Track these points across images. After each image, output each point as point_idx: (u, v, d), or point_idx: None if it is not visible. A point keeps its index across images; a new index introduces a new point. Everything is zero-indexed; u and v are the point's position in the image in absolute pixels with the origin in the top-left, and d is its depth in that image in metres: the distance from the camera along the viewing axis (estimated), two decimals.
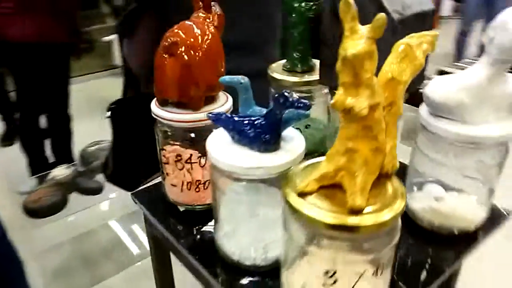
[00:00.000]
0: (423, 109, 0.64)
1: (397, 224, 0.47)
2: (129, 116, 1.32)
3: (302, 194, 0.47)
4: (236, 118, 0.56)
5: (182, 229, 0.72)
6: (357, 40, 0.38)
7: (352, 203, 0.44)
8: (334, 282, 0.47)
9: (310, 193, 0.47)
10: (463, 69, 1.81)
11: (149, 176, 1.58)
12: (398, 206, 0.45)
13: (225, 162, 0.54)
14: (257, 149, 0.55)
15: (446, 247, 0.66)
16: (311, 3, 0.76)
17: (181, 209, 0.75)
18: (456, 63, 3.49)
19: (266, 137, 0.53)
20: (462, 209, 0.68)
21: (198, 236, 0.70)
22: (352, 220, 0.43)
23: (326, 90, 0.78)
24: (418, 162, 0.69)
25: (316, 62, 0.79)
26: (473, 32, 3.80)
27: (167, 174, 0.73)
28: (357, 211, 0.44)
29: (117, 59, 4.02)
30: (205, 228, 0.71)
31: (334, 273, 0.46)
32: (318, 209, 0.45)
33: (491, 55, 0.57)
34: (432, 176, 0.69)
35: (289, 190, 0.48)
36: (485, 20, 3.69)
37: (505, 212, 0.72)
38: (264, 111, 0.56)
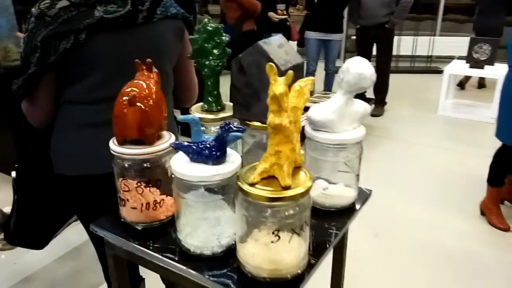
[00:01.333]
0: (307, 126, 0.98)
1: (309, 195, 0.77)
2: (34, 175, 1.39)
3: (251, 184, 0.74)
4: (192, 144, 0.81)
5: (144, 241, 0.91)
6: (279, 85, 0.68)
7: (283, 183, 0.73)
8: (278, 238, 0.74)
9: (256, 183, 0.75)
10: (315, 102, 2.36)
11: (58, 229, 1.64)
12: (308, 183, 0.75)
13: (190, 175, 0.79)
14: (211, 163, 0.80)
15: (334, 217, 0.99)
16: (218, 61, 1.06)
17: (139, 227, 0.95)
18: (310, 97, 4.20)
19: (217, 154, 0.79)
20: (340, 193, 1.02)
21: (161, 243, 0.90)
22: (285, 193, 0.72)
23: (238, 121, 1.07)
24: (308, 163, 1.01)
25: (226, 102, 1.09)
26: (316, 71, 4.60)
27: (127, 200, 0.92)
28: (287, 188, 0.73)
29: None
30: None
31: (278, 231, 0.74)
32: (263, 191, 0.73)
33: (343, 89, 0.93)
34: (319, 174, 1.02)
35: (241, 183, 0.75)
36: (324, 60, 4.56)
37: (367, 191, 1.09)
38: (210, 138, 0.82)
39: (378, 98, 4.65)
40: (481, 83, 5.55)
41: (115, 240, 0.93)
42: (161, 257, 0.87)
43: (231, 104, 1.02)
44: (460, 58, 4.72)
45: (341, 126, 0.95)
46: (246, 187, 0.74)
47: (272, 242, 0.75)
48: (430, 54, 6.58)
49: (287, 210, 0.74)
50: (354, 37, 6.90)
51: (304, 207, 0.76)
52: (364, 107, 0.97)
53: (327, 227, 0.96)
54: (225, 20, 3.97)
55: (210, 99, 1.09)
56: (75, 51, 1.12)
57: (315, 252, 0.86)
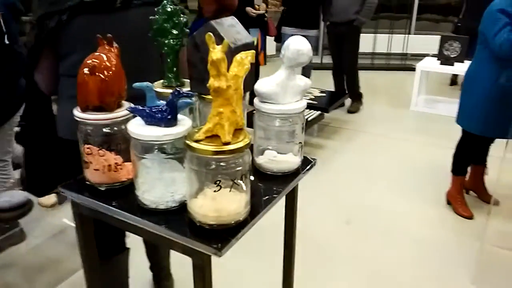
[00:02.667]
0: (256, 99, 1.11)
1: (248, 150, 0.90)
2: (38, 134, 1.57)
3: (197, 141, 0.87)
4: (146, 108, 0.93)
5: (107, 200, 1.03)
6: (216, 52, 0.81)
7: (224, 139, 0.86)
8: (220, 188, 0.87)
9: (201, 140, 0.87)
10: None
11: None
12: (247, 140, 0.88)
13: (144, 135, 0.91)
14: (164, 126, 0.93)
15: (280, 180, 1.12)
16: (177, 40, 1.18)
17: (102, 188, 1.06)
18: None
19: (169, 117, 0.92)
20: (286, 160, 1.15)
21: (122, 201, 1.02)
22: (225, 148, 0.85)
23: (196, 96, 1.19)
24: (258, 132, 1.15)
25: (184, 79, 1.21)
26: None
27: (90, 163, 1.03)
28: (227, 143, 0.86)
29: None
30: None
31: (219, 181, 0.87)
32: (207, 146, 0.85)
33: (285, 64, 1.07)
34: (267, 141, 1.15)
35: (189, 141, 0.87)
36: None
37: (311, 159, 1.23)
38: (164, 103, 0.94)
39: (351, 95, 4.82)
40: (453, 80, 5.79)
41: (81, 199, 1.05)
42: (121, 211, 0.98)
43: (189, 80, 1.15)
44: (434, 56, 4.92)
45: (285, 98, 1.09)
46: (192, 143, 0.86)
47: (214, 191, 0.87)
48: (405, 52, 6.81)
49: (227, 162, 0.87)
50: None
51: (243, 161, 0.89)
52: (304, 82, 1.11)
53: (274, 187, 1.09)
54: (202, 14, 4.09)
55: (170, 75, 1.20)
56: (60, 30, 1.31)
57: (261, 204, 0.99)
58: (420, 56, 5.56)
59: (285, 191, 1.09)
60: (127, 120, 1.01)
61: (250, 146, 0.90)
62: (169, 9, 1.16)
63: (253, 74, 1.16)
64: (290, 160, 1.15)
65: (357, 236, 2.62)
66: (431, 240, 2.58)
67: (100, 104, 0.99)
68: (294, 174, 1.15)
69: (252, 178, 0.97)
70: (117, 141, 1.03)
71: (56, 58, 1.39)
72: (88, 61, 0.97)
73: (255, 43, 4.53)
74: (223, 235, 0.89)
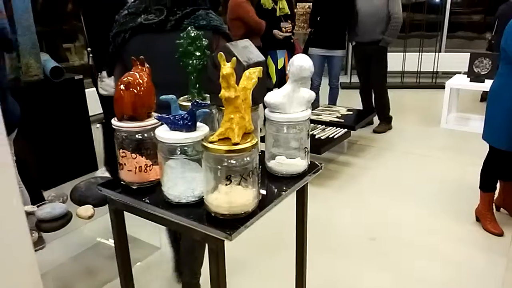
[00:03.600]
0: (266, 109, 1.29)
1: (255, 150, 1.08)
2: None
3: (211, 142, 1.06)
4: (171, 117, 1.13)
5: (138, 196, 1.22)
6: (226, 67, 1.00)
7: (234, 141, 1.04)
8: (230, 182, 1.05)
9: (215, 142, 1.06)
10: (319, 115, 2.81)
11: None
12: (253, 141, 1.06)
13: (168, 138, 1.11)
14: (185, 131, 1.12)
15: (290, 180, 1.29)
16: (199, 61, 1.39)
17: (134, 187, 1.26)
18: (313, 111, 4.52)
19: (189, 124, 1.11)
20: (294, 163, 1.32)
21: (150, 197, 1.22)
22: (235, 147, 1.03)
23: (215, 107, 1.39)
24: (268, 138, 1.32)
25: (206, 95, 1.41)
26: (321, 85, 4.92)
27: (124, 164, 1.24)
28: (236, 144, 1.04)
29: None
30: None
31: (230, 176, 1.05)
32: (220, 146, 1.04)
33: (290, 78, 1.25)
34: (276, 146, 1.32)
35: (205, 143, 1.06)
36: (328, 75, 4.88)
37: (318, 164, 1.39)
38: (185, 112, 1.14)
39: (380, 116, 4.90)
40: (484, 97, 5.79)
41: (116, 196, 1.25)
42: (149, 205, 1.18)
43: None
44: (465, 73, 4.98)
45: (291, 108, 1.27)
46: (208, 144, 1.05)
47: (226, 185, 1.05)
48: (435, 70, 6.85)
49: (237, 160, 1.05)
50: None
51: (250, 160, 1.07)
52: (309, 94, 1.29)
53: (283, 187, 1.26)
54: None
55: (193, 90, 1.41)
56: (124, 45, 1.67)
57: (268, 200, 1.17)
58: (451, 74, 5.61)
59: (292, 191, 1.26)
60: (156, 127, 1.21)
61: (263, 152, 1.08)
62: (192, 34, 1.38)
63: (265, 88, 1.35)
64: (297, 164, 1.32)
65: (382, 252, 2.67)
66: (459, 257, 2.60)
67: (133, 114, 1.20)
68: (301, 176, 1.32)
69: (259, 175, 1.14)
70: (147, 146, 1.23)
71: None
72: (123, 79, 1.19)
73: (282, 63, 4.74)
74: (234, 223, 1.07)
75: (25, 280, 0.77)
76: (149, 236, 2.64)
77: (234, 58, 1.02)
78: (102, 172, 2.52)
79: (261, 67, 1.14)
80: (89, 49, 3.26)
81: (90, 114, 3.73)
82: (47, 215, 2.10)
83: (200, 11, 1.70)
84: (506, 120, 2.65)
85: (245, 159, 1.05)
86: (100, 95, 3.21)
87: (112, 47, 1.72)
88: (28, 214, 2.17)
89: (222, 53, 1.02)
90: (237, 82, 1.07)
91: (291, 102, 1.26)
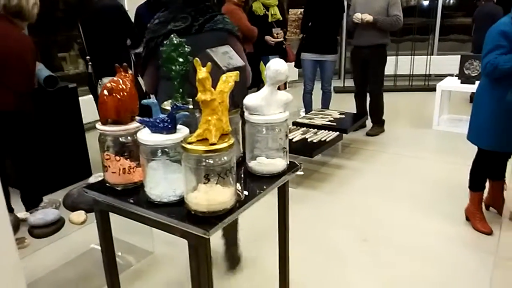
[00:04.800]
0: (246, 112, 1.35)
1: (232, 149, 1.13)
2: None
3: (190, 143, 1.11)
4: (152, 120, 1.18)
5: (122, 197, 1.27)
6: (202, 72, 1.06)
7: (211, 141, 1.10)
8: (208, 181, 1.10)
9: (193, 143, 1.11)
10: (311, 119, 2.95)
11: None
12: (230, 141, 1.12)
13: (150, 140, 1.16)
14: (165, 133, 1.17)
15: (270, 179, 1.34)
16: (182, 66, 1.45)
17: (119, 188, 1.31)
18: (305, 115, 4.57)
19: (169, 126, 1.17)
20: (274, 163, 1.38)
21: (134, 198, 1.27)
22: (212, 147, 1.08)
23: (197, 111, 1.44)
24: (248, 140, 1.38)
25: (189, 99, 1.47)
26: (313, 89, 4.98)
27: (108, 167, 1.29)
28: (213, 144, 1.09)
29: None
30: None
31: (208, 175, 1.10)
32: (198, 146, 1.09)
33: (267, 82, 1.31)
34: (256, 148, 1.38)
35: (184, 144, 1.11)
36: (320, 79, 4.94)
37: (297, 163, 1.44)
38: (165, 115, 1.19)
39: (374, 119, 4.95)
40: (472, 98, 5.85)
41: (101, 197, 1.30)
42: (133, 205, 1.23)
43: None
44: (456, 75, 5.05)
45: (270, 110, 1.32)
46: (186, 145, 1.10)
47: (204, 183, 1.10)
48: (428, 72, 6.93)
49: (214, 160, 1.10)
50: None
51: (227, 159, 1.12)
52: (286, 96, 1.34)
53: (263, 185, 1.31)
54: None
55: (176, 95, 1.47)
56: (157, 49, 1.86)
57: (248, 198, 1.22)
58: (443, 77, 5.68)
59: (271, 188, 1.31)
60: (138, 130, 1.26)
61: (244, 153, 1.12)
62: (175, 42, 1.43)
63: (246, 92, 1.41)
64: (276, 163, 1.37)
65: (374, 252, 2.70)
66: (450, 257, 2.63)
67: (117, 118, 1.25)
68: (280, 175, 1.37)
69: (239, 174, 1.19)
70: (130, 149, 1.28)
71: (156, 67, 1.94)
72: (107, 85, 1.25)
73: None
74: (212, 220, 1.12)
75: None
76: (142, 241, 2.67)
77: (209, 63, 1.08)
78: (95, 179, 2.56)
79: (238, 72, 1.20)
80: (88, 57, 3.32)
81: (84, 122, 3.78)
82: (40, 221, 2.14)
83: (217, 16, 2.02)
84: (488, 121, 2.71)
85: (222, 158, 1.11)
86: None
87: (146, 51, 2.02)
88: (21, 220, 2.21)
89: (197, 59, 1.08)
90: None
91: (269, 104, 1.31)
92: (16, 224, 2.16)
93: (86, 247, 2.70)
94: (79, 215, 2.26)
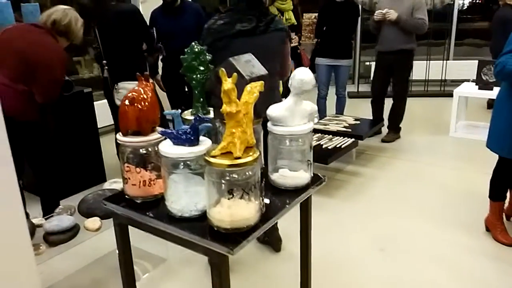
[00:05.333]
0: (269, 123, 1.30)
1: (257, 164, 1.09)
2: None
3: (213, 157, 1.07)
4: (174, 131, 1.14)
5: (141, 211, 1.24)
6: (227, 83, 1.02)
7: (235, 155, 1.05)
8: (232, 196, 1.06)
9: (217, 156, 1.07)
10: (326, 124, 2.92)
11: None
12: (255, 155, 1.07)
13: (171, 153, 1.12)
14: (188, 145, 1.13)
15: (293, 193, 1.30)
16: (203, 75, 1.41)
17: (139, 201, 1.28)
18: (320, 121, 4.51)
19: (192, 138, 1.13)
20: (297, 176, 1.33)
21: (154, 211, 1.23)
22: (236, 161, 1.04)
23: (218, 121, 1.40)
24: (272, 154, 1.33)
25: (210, 108, 1.43)
26: (328, 95, 4.92)
27: (128, 179, 1.26)
28: (238, 158, 1.05)
29: None
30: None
31: (232, 190, 1.05)
32: (222, 160, 1.05)
33: (292, 92, 1.26)
34: (281, 163, 1.33)
35: (207, 157, 1.07)
36: (335, 85, 4.88)
37: (321, 176, 1.39)
38: (187, 126, 1.15)
39: (391, 125, 4.86)
40: (490, 104, 5.74)
41: (120, 210, 1.26)
42: (153, 219, 1.19)
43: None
44: (473, 81, 4.95)
45: (293, 121, 1.28)
46: (210, 159, 1.06)
47: (228, 199, 1.06)
48: (443, 78, 6.82)
49: (239, 174, 1.06)
50: (367, 63, 7.28)
51: (252, 173, 1.07)
52: (311, 107, 1.30)
53: (286, 199, 1.27)
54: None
55: (197, 104, 1.43)
56: (226, 47, 2.02)
57: (271, 213, 1.17)
58: (459, 82, 5.57)
59: (295, 203, 1.26)
60: (160, 142, 1.23)
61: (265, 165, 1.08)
62: (196, 49, 1.40)
63: (269, 102, 1.36)
64: (300, 176, 1.32)
65: (391, 262, 2.64)
66: (469, 268, 2.55)
67: (137, 129, 1.22)
68: (304, 188, 1.32)
69: (262, 189, 1.15)
70: (151, 160, 1.25)
71: None
72: (128, 94, 1.21)
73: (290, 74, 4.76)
74: (236, 237, 1.07)
75: None
76: (156, 248, 2.64)
77: (235, 74, 1.04)
78: (110, 184, 2.54)
79: (263, 81, 1.15)
80: (104, 61, 3.31)
81: (99, 126, 3.76)
82: (55, 227, 2.12)
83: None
84: (509, 128, 2.63)
85: (247, 173, 1.06)
86: (113, 106, 3.25)
87: (213, 51, 1.93)
88: (36, 226, 2.19)
89: (223, 69, 1.04)
90: (240, 96, 1.09)
91: (293, 115, 1.27)
92: (32, 230, 2.15)
93: (101, 253, 2.68)
94: (94, 222, 2.24)
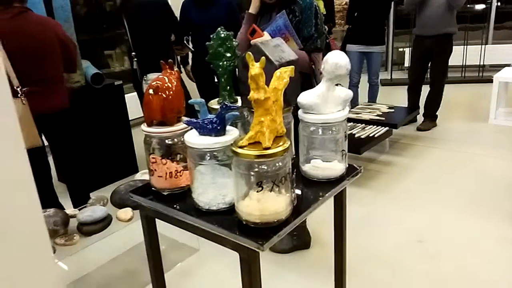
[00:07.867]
0: (300, 110, 1.22)
1: (287, 154, 1.01)
2: None
3: (241, 147, 0.99)
4: (200, 121, 1.08)
5: (168, 203, 1.18)
6: (255, 68, 0.94)
7: (264, 145, 0.98)
8: (261, 188, 0.99)
9: (245, 146, 1.00)
10: (358, 113, 2.82)
11: None
12: (286, 145, 0.99)
13: (198, 143, 1.05)
14: (214, 135, 1.07)
15: (327, 185, 1.21)
16: (230, 62, 1.34)
17: (165, 193, 1.22)
18: (352, 110, 4.37)
19: (218, 127, 1.06)
20: (331, 167, 1.24)
21: (181, 204, 1.17)
22: (266, 152, 0.97)
23: (246, 110, 1.33)
24: (303, 144, 1.25)
25: (237, 97, 1.36)
26: (360, 82, 4.76)
27: (154, 170, 1.20)
28: (267, 148, 0.97)
29: None
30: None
31: (261, 182, 0.98)
32: (250, 151, 0.98)
33: (325, 77, 1.17)
34: (313, 153, 1.25)
35: (235, 148, 1.00)
36: (367, 72, 4.71)
37: (357, 167, 1.30)
38: (214, 116, 1.09)
39: (428, 112, 4.65)
40: None
41: (147, 203, 1.22)
42: (180, 212, 1.13)
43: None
44: None
45: (326, 109, 1.18)
46: (237, 149, 0.99)
47: (257, 191, 0.99)
48: (482, 63, 6.48)
49: (268, 166, 0.98)
50: (401, 49, 7.01)
51: (282, 165, 1.00)
52: (345, 93, 1.20)
53: (319, 192, 1.18)
54: None
55: (224, 93, 1.36)
56: None
57: (303, 206, 1.09)
58: (499, 67, 5.28)
59: (328, 196, 1.18)
60: (186, 132, 1.17)
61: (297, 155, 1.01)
62: (222, 35, 1.32)
63: (299, 88, 1.27)
64: (334, 167, 1.23)
65: (430, 255, 2.53)
66: (509, 261, 2.43)
67: (162, 119, 1.16)
68: (338, 181, 1.23)
69: (293, 181, 1.07)
70: (177, 151, 1.19)
71: None
72: (152, 83, 1.15)
73: None
74: (266, 232, 1.00)
75: None
76: (188, 238, 2.62)
77: (263, 58, 0.96)
78: (142, 175, 2.52)
79: (293, 66, 1.07)
80: (133, 53, 3.30)
81: (130, 118, 3.77)
82: (88, 218, 2.13)
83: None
84: None
85: (277, 164, 0.99)
86: (143, 98, 3.24)
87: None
88: (70, 217, 2.20)
89: (250, 53, 0.96)
90: (269, 83, 1.01)
91: (326, 102, 1.18)
92: (66, 220, 2.16)
93: (133, 243, 2.68)
94: (126, 212, 2.23)
